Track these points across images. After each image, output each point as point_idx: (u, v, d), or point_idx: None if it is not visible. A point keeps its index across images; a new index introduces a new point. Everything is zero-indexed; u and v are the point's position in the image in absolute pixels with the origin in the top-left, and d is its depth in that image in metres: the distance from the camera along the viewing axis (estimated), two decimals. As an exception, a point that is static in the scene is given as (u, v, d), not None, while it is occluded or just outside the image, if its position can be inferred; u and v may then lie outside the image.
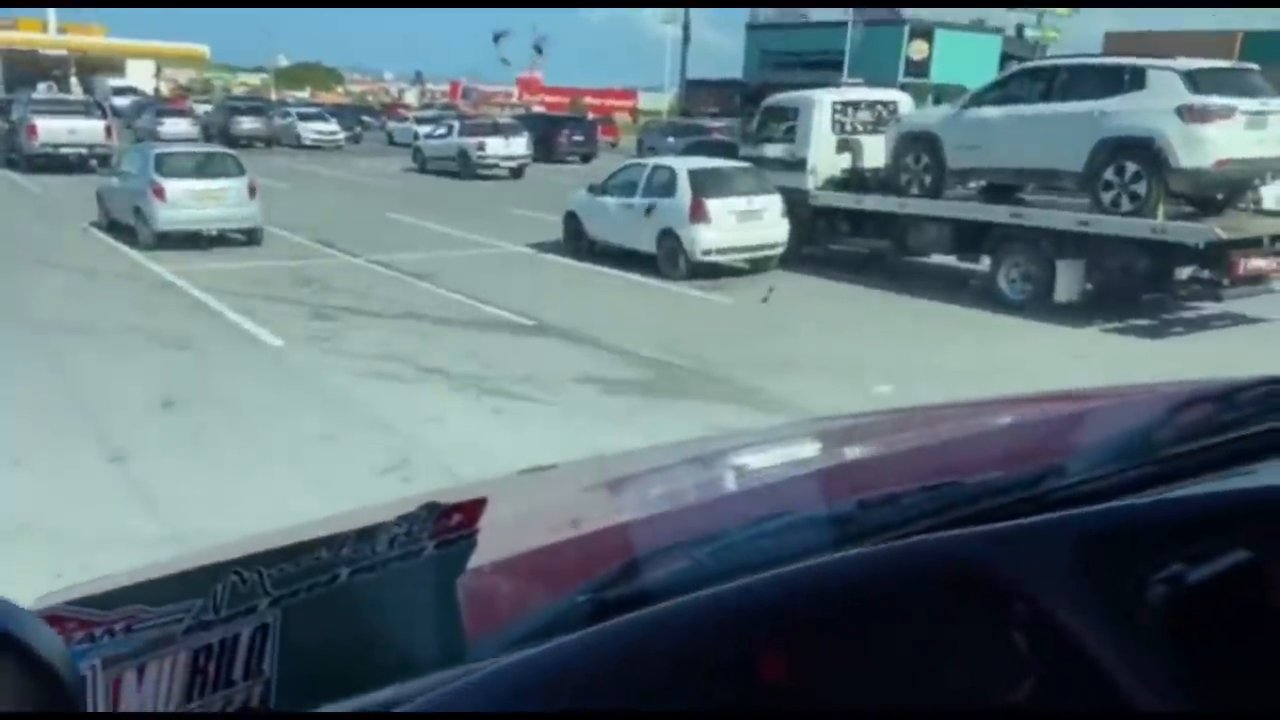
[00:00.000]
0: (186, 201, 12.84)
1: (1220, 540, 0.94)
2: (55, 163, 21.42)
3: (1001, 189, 11.42)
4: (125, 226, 13.59)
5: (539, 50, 66.65)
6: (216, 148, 16.78)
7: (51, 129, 21.75)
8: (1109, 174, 9.94)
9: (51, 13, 60.95)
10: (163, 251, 12.69)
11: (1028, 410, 1.67)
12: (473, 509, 0.90)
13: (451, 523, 0.87)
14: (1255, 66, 10.65)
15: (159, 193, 12.70)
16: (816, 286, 11.76)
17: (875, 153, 12.48)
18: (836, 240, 12.95)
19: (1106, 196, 9.99)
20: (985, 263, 11.15)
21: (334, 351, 8.28)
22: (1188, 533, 0.96)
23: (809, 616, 0.80)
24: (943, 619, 0.83)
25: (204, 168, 13.45)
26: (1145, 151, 9.67)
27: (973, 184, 11.82)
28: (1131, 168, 9.80)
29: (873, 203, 12.19)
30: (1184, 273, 10.14)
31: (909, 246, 12.10)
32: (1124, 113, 9.78)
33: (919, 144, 11.74)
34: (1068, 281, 10.17)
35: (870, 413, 2.05)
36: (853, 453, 1.62)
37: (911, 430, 1.60)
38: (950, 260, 11.97)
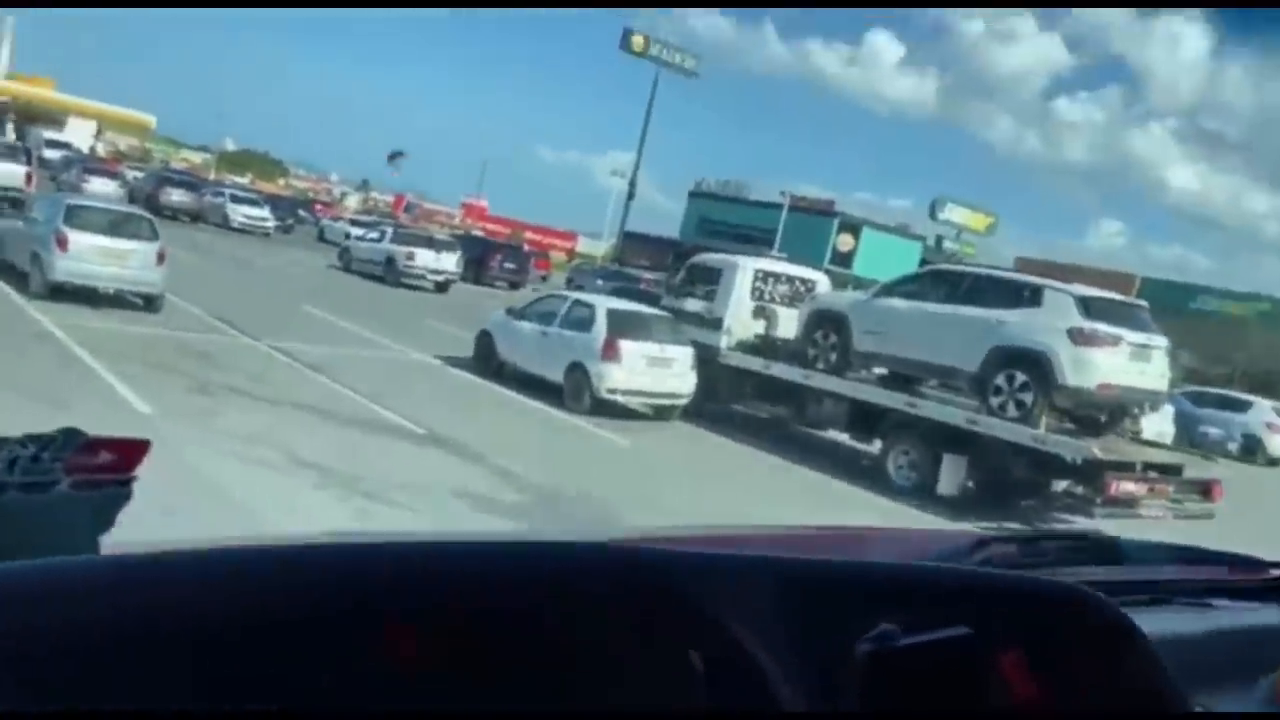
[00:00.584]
0: (89, 256, 12.44)
1: (939, 612, 0.97)
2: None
3: (901, 378, 11.81)
4: (19, 272, 13.07)
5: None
6: (134, 210, 16.44)
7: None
8: (999, 379, 10.38)
9: (3, 57, 60.42)
10: (52, 303, 12.19)
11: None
12: (132, 451, 0.77)
13: (98, 460, 0.74)
14: (1144, 303, 11.43)
15: (62, 242, 12.30)
16: (713, 443, 11.82)
17: (788, 324, 12.87)
18: (740, 401, 13.14)
19: (995, 400, 10.40)
20: (877, 445, 11.42)
21: (206, 428, 7.91)
22: (902, 598, 0.99)
23: (456, 592, 0.75)
24: (615, 622, 0.80)
25: (116, 227, 13.11)
26: (1034, 364, 10.16)
27: (876, 369, 12.22)
28: (1020, 377, 10.25)
29: (779, 370, 12.46)
30: (1059, 486, 10.51)
31: (808, 418, 12.34)
32: (1019, 325, 10.31)
33: (829, 322, 12.15)
34: (951, 475, 10.42)
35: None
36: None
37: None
38: (845, 438, 12.21)
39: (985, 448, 10.32)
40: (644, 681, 0.79)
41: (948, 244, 41.18)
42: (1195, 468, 10.96)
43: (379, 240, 27.22)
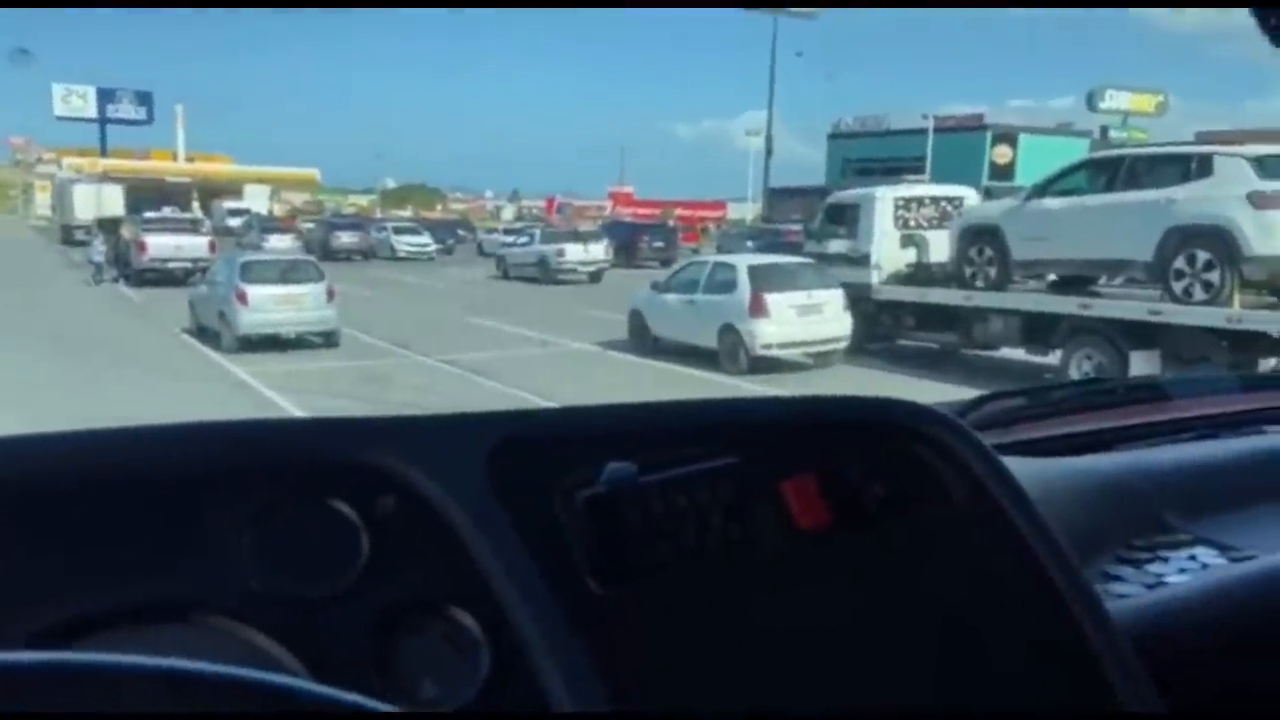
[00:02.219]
0: (268, 306, 13.44)
1: (710, 447, 0.90)
2: (163, 276, 22.76)
3: (1072, 281, 11.11)
4: (213, 331, 14.27)
5: None
6: (300, 255, 17.63)
7: (159, 244, 23.23)
8: (1179, 263, 9.59)
9: (180, 142, 65.97)
10: (244, 355, 13.25)
11: None
12: None
13: None
14: (1333, 149, 10.24)
15: (242, 297, 13.34)
16: (877, 380, 11.52)
17: (940, 248, 12.37)
18: (902, 335, 12.75)
19: (1178, 286, 9.61)
20: (1057, 356, 10.80)
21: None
22: (661, 437, 0.92)
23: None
24: (257, 503, 0.78)
25: (286, 274, 14.12)
26: (1216, 239, 9.32)
27: (1043, 276, 11.56)
28: (1203, 256, 9.43)
29: (937, 296, 12.00)
30: (1268, 365, 9.60)
31: (975, 340, 11.81)
32: (1191, 200, 9.48)
33: (983, 236, 11.59)
34: (1142, 374, 9.72)
35: None
36: None
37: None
38: (1020, 354, 11.62)
39: (1175, 338, 9.56)
40: (307, 558, 0.77)
41: (1114, 133, 38.17)
42: None
43: (530, 244, 28.03)
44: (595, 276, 26.44)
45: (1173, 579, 1.31)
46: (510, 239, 31.46)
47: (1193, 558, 1.36)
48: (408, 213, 70.85)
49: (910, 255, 12.69)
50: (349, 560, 0.77)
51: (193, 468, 0.77)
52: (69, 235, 37.82)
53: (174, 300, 18.94)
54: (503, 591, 0.77)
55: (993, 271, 11.50)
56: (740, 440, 0.93)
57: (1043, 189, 11.39)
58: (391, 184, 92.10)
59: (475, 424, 0.86)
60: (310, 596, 0.75)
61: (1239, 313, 9.18)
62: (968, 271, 11.75)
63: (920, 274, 12.51)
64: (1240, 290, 9.36)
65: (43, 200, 59.36)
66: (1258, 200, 9.05)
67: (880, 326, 12.72)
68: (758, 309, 11.74)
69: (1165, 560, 1.35)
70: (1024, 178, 33.73)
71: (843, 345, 12.20)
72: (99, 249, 24.09)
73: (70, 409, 8.92)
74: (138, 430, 0.78)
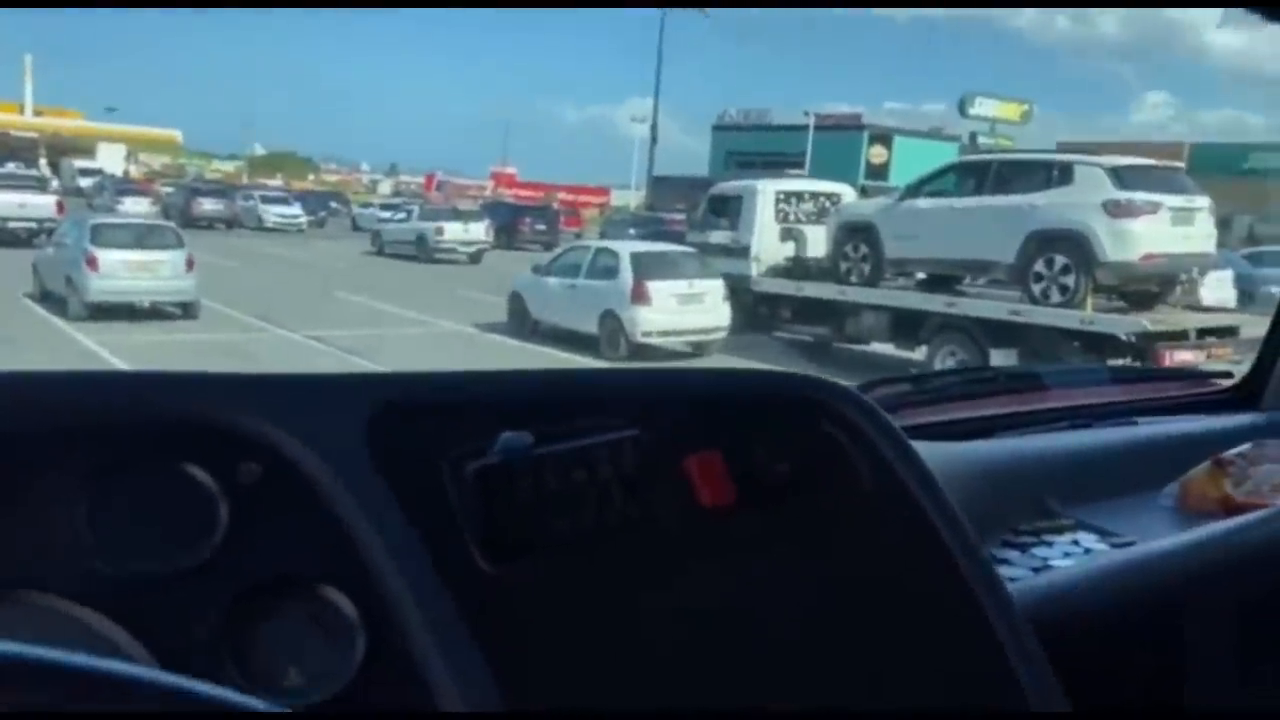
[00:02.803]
0: (120, 272, 12.64)
1: (610, 420, 0.85)
2: (5, 236, 21.18)
3: (940, 280, 11.52)
4: (59, 297, 13.35)
5: None
6: (158, 221, 16.69)
7: (1, 203, 21.61)
8: (1039, 266, 10.06)
9: (28, 93, 61.65)
10: (93, 323, 12.43)
11: None
12: None
13: None
14: (1181, 165, 10.96)
15: (92, 262, 12.50)
16: (754, 371, 11.68)
17: (818, 242, 12.62)
18: (778, 327, 12.97)
19: (1037, 288, 10.09)
20: (923, 352, 11.18)
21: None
22: (556, 408, 0.86)
23: None
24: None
25: (142, 239, 13.32)
26: (1073, 245, 9.81)
27: (913, 274, 11.94)
28: (1060, 260, 9.92)
29: (812, 289, 12.26)
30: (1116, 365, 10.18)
31: (848, 334, 12.13)
32: (1052, 206, 9.95)
33: (858, 233, 11.88)
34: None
35: None
36: None
37: None
38: (890, 349, 11.99)
39: (1033, 338, 10.02)
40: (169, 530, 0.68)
41: (983, 139, 39.87)
42: (1254, 326, 10.53)
43: (407, 220, 27.36)
44: (475, 257, 25.99)
45: (1057, 563, 1.32)
46: (387, 214, 30.64)
47: (1075, 542, 1.38)
48: (277, 182, 68.22)
49: (789, 249, 12.90)
50: (204, 532, 0.69)
51: (17, 422, 0.67)
52: None
53: (17, 262, 17.70)
54: (381, 569, 0.69)
55: (866, 268, 11.81)
56: (641, 412, 0.87)
57: (915, 189, 11.77)
58: (261, 151, 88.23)
59: (354, 386, 0.79)
60: (157, 573, 0.66)
61: (1091, 315, 9.71)
62: (843, 267, 12.03)
63: (798, 268, 12.74)
64: (1093, 294, 9.89)
65: None
66: (1112, 209, 9.57)
67: (758, 318, 12.90)
68: (640, 296, 11.74)
69: (1049, 544, 1.37)
70: (898, 178, 34.86)
71: (721, 335, 12.32)
72: None
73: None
74: None
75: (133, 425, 0.70)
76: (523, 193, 63.37)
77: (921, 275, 11.86)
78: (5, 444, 0.66)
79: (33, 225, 21.11)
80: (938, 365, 10.67)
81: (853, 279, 11.91)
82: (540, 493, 0.78)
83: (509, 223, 30.09)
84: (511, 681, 0.69)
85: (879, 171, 36.53)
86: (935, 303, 10.94)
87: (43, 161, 48.39)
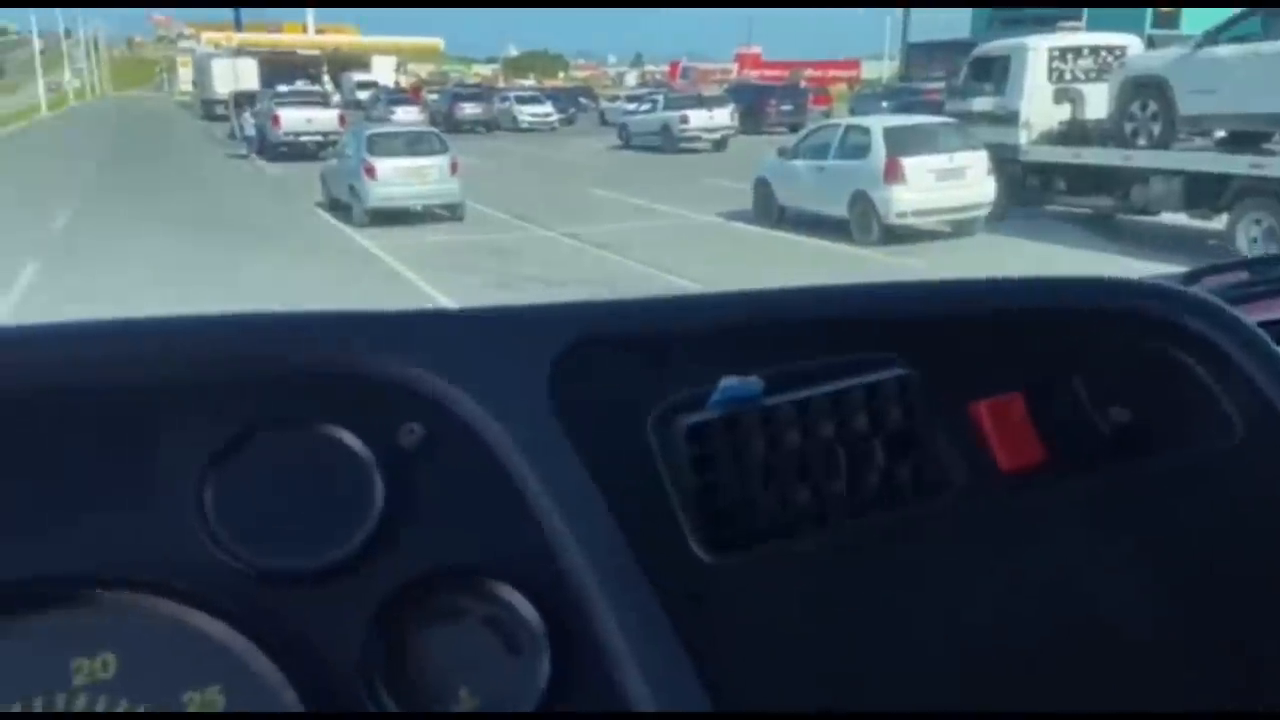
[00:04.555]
0: (394, 178, 13.54)
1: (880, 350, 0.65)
2: (295, 150, 23.26)
3: (1245, 137, 10.06)
4: (344, 205, 14.53)
5: None
6: (425, 128, 17.65)
7: (292, 118, 23.67)
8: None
9: (310, 14, 66.80)
10: (374, 228, 13.46)
11: None
12: None
13: None
14: None
15: (370, 171, 13.47)
16: (1021, 250, 10.83)
17: (1098, 103, 11.38)
18: (1051, 200, 11.92)
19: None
20: (1222, 220, 9.90)
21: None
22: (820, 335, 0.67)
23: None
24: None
25: (412, 146, 14.16)
26: None
27: (1210, 132, 10.51)
28: None
29: (1092, 156, 11.11)
30: None
31: (1133, 204, 10.92)
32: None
33: (1146, 90, 10.56)
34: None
35: None
36: None
37: None
38: (1182, 219, 10.71)
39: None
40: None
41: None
42: None
43: (652, 111, 27.33)
44: (720, 144, 25.67)
45: None
46: (632, 107, 30.76)
47: None
48: (530, 81, 70.44)
49: (1064, 112, 11.72)
50: (356, 515, 0.55)
51: (123, 377, 0.55)
52: (210, 110, 39.11)
53: (308, 174, 19.45)
54: (572, 560, 0.56)
55: (1156, 128, 10.53)
56: (911, 342, 0.67)
57: (1214, 36, 10.21)
58: (514, 51, 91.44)
59: (539, 322, 0.63)
60: (296, 568, 0.53)
61: None
62: (1128, 128, 10.78)
63: (1074, 132, 11.57)
64: None
65: (184, 76, 61.54)
66: None
67: (1027, 191, 11.91)
68: (893, 174, 11.10)
69: None
70: (1192, 26, 30.69)
71: (984, 212, 11.48)
72: (250, 123, 24.71)
73: (213, 284, 9.29)
74: (35, 329, 0.56)
75: (265, 379, 0.57)
76: (768, 73, 61.79)
77: (1221, 133, 10.45)
78: (102, 403, 0.54)
79: (319, 139, 23.07)
80: (1240, 236, 9.46)
81: (1140, 141, 10.67)
82: (774, 456, 0.61)
83: (754, 105, 29.39)
84: (733, 708, 0.55)
85: (1169, 20, 32.15)
86: (1238, 164, 9.60)
87: (325, 77, 52.56)
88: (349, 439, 0.56)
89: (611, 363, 0.62)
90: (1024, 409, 0.66)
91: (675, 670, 0.54)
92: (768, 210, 13.06)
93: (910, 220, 11.22)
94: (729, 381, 0.60)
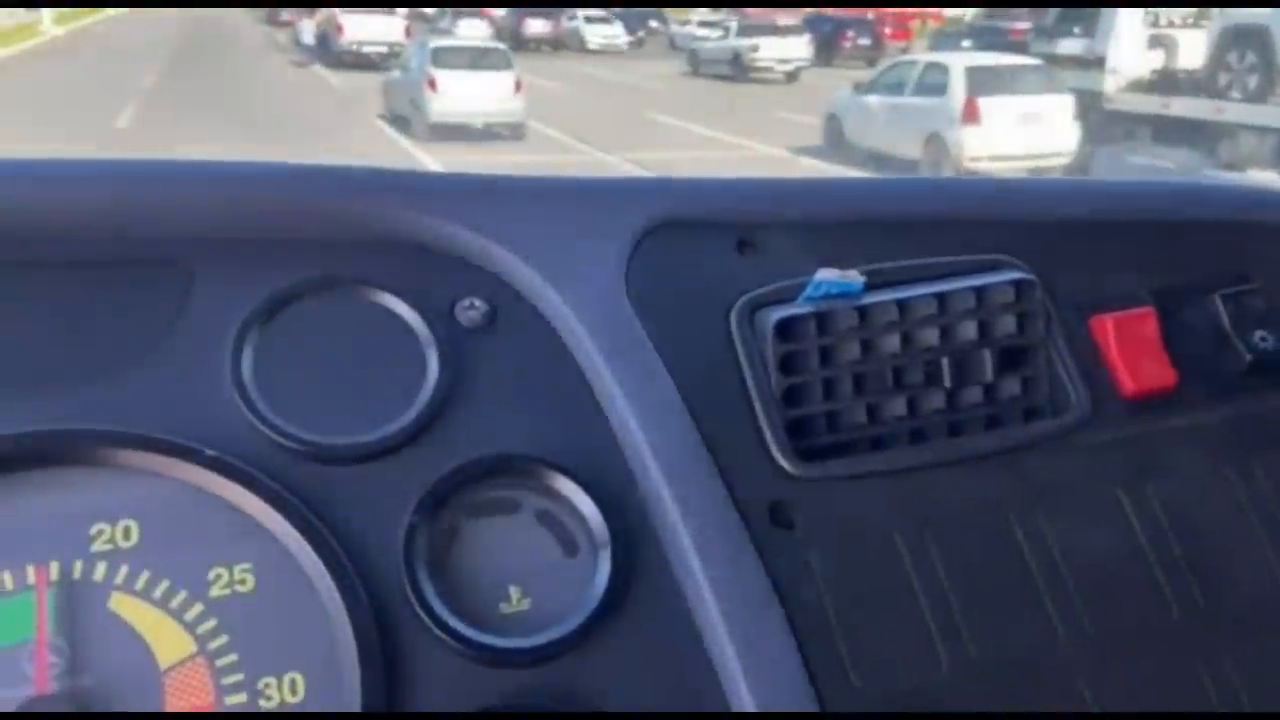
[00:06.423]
0: (457, 94, 13.39)
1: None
2: (360, 60, 23.12)
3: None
4: (405, 118, 14.45)
5: None
6: (490, 43, 17.41)
7: (356, 26, 23.51)
8: None
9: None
10: (435, 143, 13.37)
11: None
12: None
13: None
14: None
15: (432, 84, 13.33)
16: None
17: (1193, 51, 10.82)
18: (1134, 150, 11.43)
19: None
20: (1317, 183, 9.43)
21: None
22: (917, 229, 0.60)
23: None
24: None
25: (477, 61, 14.00)
26: None
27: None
28: None
29: (1181, 107, 10.59)
30: None
31: (1221, 159, 10.42)
32: None
33: (1245, 39, 10.00)
34: None
35: None
36: None
37: None
38: (1274, 177, 10.21)
39: None
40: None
41: None
42: None
43: (724, 38, 26.67)
44: (792, 76, 25.03)
45: None
46: (704, 33, 30.06)
47: None
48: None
49: (1156, 59, 11.18)
50: (406, 392, 0.51)
51: (162, 223, 0.51)
52: (274, 15, 39.04)
53: (371, 83, 19.36)
54: (640, 457, 0.50)
55: (1252, 80, 10.00)
56: (1030, 246, 0.60)
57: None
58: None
59: (614, 196, 0.57)
60: (339, 445, 0.49)
61: None
62: (1222, 79, 10.26)
63: (1165, 81, 11.05)
64: None
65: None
66: None
67: (1109, 140, 11.44)
68: (971, 115, 10.70)
69: None
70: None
71: (1065, 160, 11.05)
72: (309, 30, 24.64)
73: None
74: (61, 163, 0.51)
75: (314, 237, 0.53)
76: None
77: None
78: (136, 251, 0.50)
79: (383, 49, 22.89)
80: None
81: (1233, 94, 10.15)
82: (869, 361, 0.55)
83: (830, 37, 28.56)
84: (813, 637, 0.48)
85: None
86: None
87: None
88: (403, 310, 0.52)
89: (695, 246, 0.57)
90: (1156, 326, 0.60)
91: (749, 591, 0.48)
92: (837, 146, 12.76)
93: (985, 165, 10.83)
94: (826, 274, 0.54)
